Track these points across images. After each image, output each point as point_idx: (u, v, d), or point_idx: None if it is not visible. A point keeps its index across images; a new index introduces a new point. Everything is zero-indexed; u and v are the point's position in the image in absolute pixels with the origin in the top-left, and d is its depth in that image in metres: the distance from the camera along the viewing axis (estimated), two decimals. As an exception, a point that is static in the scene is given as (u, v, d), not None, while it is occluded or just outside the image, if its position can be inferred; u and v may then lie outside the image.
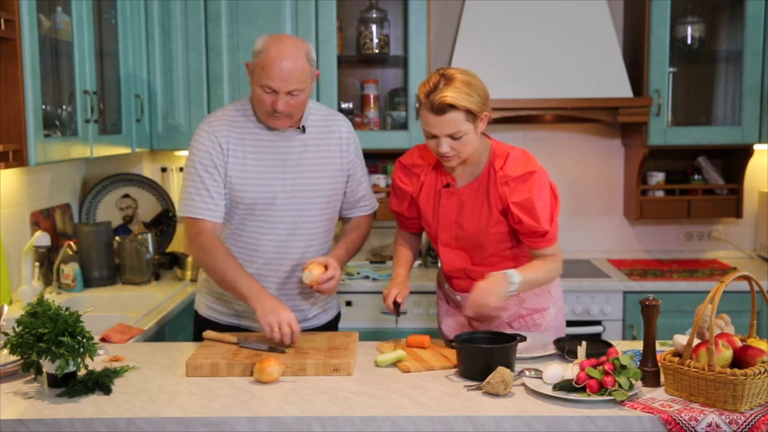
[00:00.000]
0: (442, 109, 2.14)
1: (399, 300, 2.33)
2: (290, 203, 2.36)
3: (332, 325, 2.56)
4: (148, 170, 3.98)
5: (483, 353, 2.02)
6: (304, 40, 2.34)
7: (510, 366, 1.97)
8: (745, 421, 1.71)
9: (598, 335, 3.42)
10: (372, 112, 3.80)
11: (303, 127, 2.38)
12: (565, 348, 2.13)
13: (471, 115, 2.17)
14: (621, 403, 1.79)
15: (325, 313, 2.55)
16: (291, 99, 2.26)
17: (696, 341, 1.83)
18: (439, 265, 2.57)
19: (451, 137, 2.18)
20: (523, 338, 2.08)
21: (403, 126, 3.71)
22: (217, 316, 2.49)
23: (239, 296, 2.29)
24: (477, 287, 2.18)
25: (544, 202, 2.28)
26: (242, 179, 2.33)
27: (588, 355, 1.97)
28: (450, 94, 2.14)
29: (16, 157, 2.44)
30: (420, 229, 2.54)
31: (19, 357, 1.93)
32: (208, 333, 2.32)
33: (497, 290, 2.17)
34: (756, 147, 3.68)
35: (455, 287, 2.47)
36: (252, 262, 2.37)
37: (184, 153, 3.78)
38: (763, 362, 1.75)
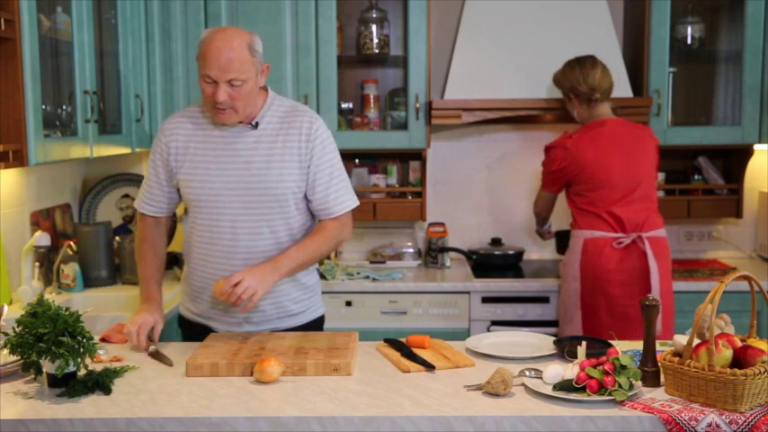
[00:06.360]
0: None
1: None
2: (237, 201, 2.32)
3: (314, 326, 2.50)
4: (148, 170, 3.98)
5: None
6: (250, 32, 2.28)
7: None
8: (745, 421, 1.71)
9: (598, 335, 3.42)
10: (372, 112, 3.79)
11: (256, 123, 2.33)
12: (565, 348, 2.13)
13: None
14: (621, 403, 1.79)
15: (303, 314, 2.48)
16: (233, 90, 2.22)
17: (696, 341, 1.83)
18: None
19: None
20: None
21: (403, 126, 3.71)
22: (187, 313, 2.54)
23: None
24: None
25: None
26: (189, 177, 2.35)
27: (588, 355, 1.97)
28: None
29: (16, 157, 2.44)
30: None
31: (19, 357, 1.93)
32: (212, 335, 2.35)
33: None
34: (756, 147, 3.68)
35: None
36: (212, 258, 2.38)
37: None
38: (763, 362, 1.75)
